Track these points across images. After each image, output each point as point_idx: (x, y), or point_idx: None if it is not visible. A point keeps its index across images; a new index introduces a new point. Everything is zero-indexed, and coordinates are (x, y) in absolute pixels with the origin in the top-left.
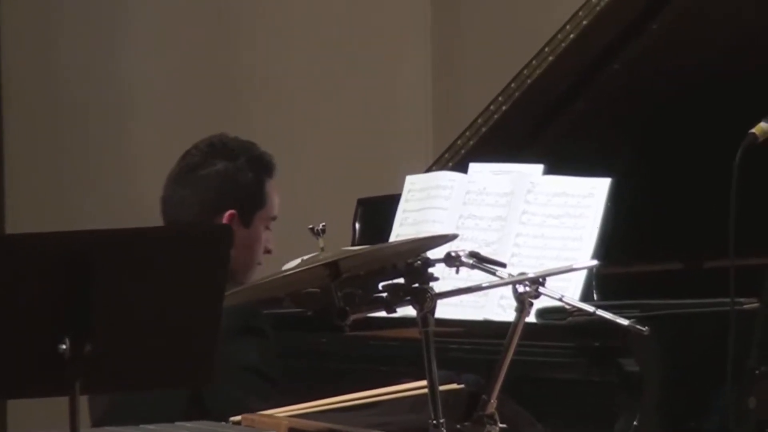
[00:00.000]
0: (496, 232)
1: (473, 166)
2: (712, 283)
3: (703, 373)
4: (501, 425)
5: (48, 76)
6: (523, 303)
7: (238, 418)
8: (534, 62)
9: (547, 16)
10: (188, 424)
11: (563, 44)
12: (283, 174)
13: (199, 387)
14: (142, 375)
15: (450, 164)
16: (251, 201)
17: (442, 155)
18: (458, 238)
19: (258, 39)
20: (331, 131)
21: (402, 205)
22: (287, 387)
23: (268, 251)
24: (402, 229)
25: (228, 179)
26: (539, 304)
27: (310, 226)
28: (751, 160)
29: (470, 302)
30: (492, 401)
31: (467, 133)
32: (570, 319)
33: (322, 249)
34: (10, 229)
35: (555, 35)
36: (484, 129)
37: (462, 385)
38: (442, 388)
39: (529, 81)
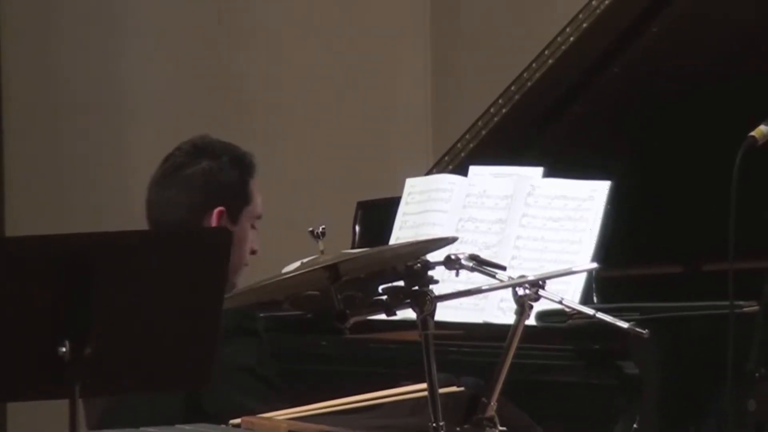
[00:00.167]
0: (496, 234)
1: (473, 169)
2: (711, 286)
3: (703, 376)
4: (501, 428)
5: (47, 77)
6: (522, 306)
7: (237, 420)
8: (534, 65)
9: (547, 18)
10: (188, 427)
11: (563, 47)
12: (284, 177)
13: (198, 389)
14: (141, 378)
15: (450, 167)
16: (237, 198)
17: (442, 158)
18: (458, 240)
19: (257, 40)
20: (330, 134)
21: (402, 208)
22: (287, 390)
23: (253, 252)
24: (402, 232)
25: (214, 177)
26: (539, 306)
27: (310, 229)
28: (750, 162)
29: (470, 305)
30: (492, 404)
31: (467, 136)
32: (570, 321)
33: (322, 252)
34: (9, 230)
35: (555, 38)
36: (484, 132)
37: (462, 388)
38: (441, 390)
39: (529, 84)
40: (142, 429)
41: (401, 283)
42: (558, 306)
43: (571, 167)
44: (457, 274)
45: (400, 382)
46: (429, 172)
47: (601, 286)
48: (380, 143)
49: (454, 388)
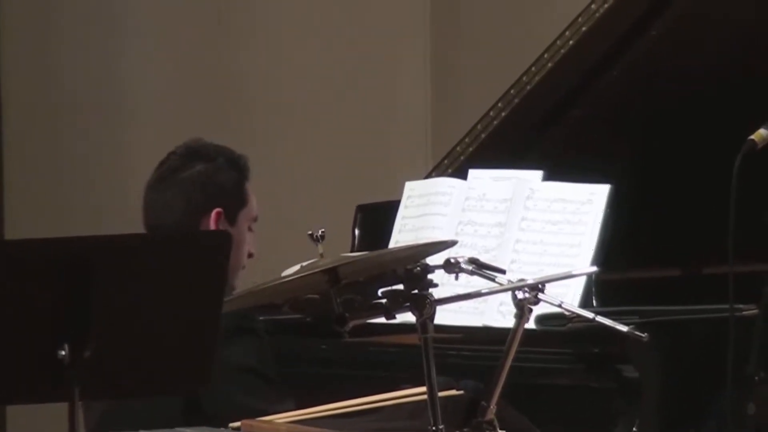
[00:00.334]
0: (495, 238)
1: (472, 173)
2: (711, 290)
3: (702, 380)
4: (500, 431)
5: (47, 77)
6: (522, 309)
7: (237, 424)
8: (533, 69)
9: (547, 18)
10: (188, 430)
11: (562, 50)
12: (283, 179)
13: (198, 392)
14: (141, 380)
15: (449, 170)
16: (234, 200)
17: (442, 161)
18: (457, 244)
19: (257, 41)
20: (330, 136)
21: (401, 212)
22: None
23: (251, 255)
24: (401, 236)
25: (210, 179)
26: (538, 310)
27: (310, 232)
28: (750, 166)
29: (469, 308)
30: (491, 407)
31: (466, 140)
32: (569, 325)
33: (322, 255)
34: (9, 230)
35: (554, 41)
36: (483, 135)
37: (461, 392)
38: (441, 394)
39: (528, 87)
40: None
41: (401, 286)
42: (557, 309)
43: (571, 170)
44: (456, 278)
45: (399, 385)
46: (428, 176)
47: (601, 289)
48: (380, 147)
49: (453, 392)
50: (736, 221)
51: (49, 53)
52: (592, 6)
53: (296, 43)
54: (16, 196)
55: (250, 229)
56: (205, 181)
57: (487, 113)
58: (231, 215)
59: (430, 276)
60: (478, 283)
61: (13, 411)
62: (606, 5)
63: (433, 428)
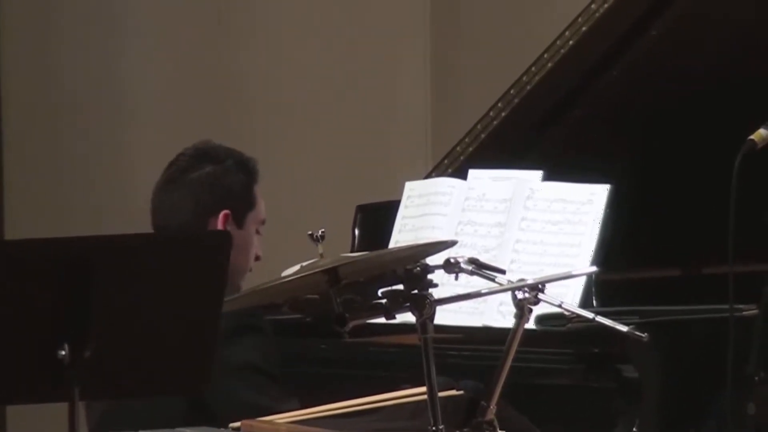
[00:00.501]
0: (495, 238)
1: (472, 173)
2: (711, 290)
3: (702, 380)
4: (500, 431)
5: (47, 77)
6: (522, 309)
7: (237, 424)
8: (533, 69)
9: (547, 18)
10: (188, 430)
11: (562, 50)
12: (283, 180)
13: (197, 393)
14: (141, 380)
15: (449, 170)
16: (243, 202)
17: (442, 161)
18: (457, 244)
19: (257, 41)
20: (330, 137)
21: (401, 212)
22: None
23: (257, 258)
24: (401, 236)
25: (219, 180)
26: (538, 310)
27: (310, 232)
28: (750, 165)
29: (469, 308)
30: (491, 407)
31: (466, 140)
32: (569, 325)
33: (321, 255)
34: (9, 230)
35: (554, 41)
36: (483, 135)
37: (461, 392)
38: (441, 394)
39: (528, 87)
40: None
41: (401, 286)
42: (557, 309)
43: (571, 170)
44: (456, 278)
45: (399, 385)
46: (428, 176)
47: (601, 289)
48: (380, 147)
49: (453, 392)
50: (736, 221)
51: (49, 53)
52: (592, 6)
53: (296, 43)
54: (16, 196)
55: (257, 232)
56: (214, 183)
57: (487, 113)
58: (239, 217)
59: (430, 276)
60: (478, 283)
61: (13, 411)
62: (606, 5)
63: (433, 428)
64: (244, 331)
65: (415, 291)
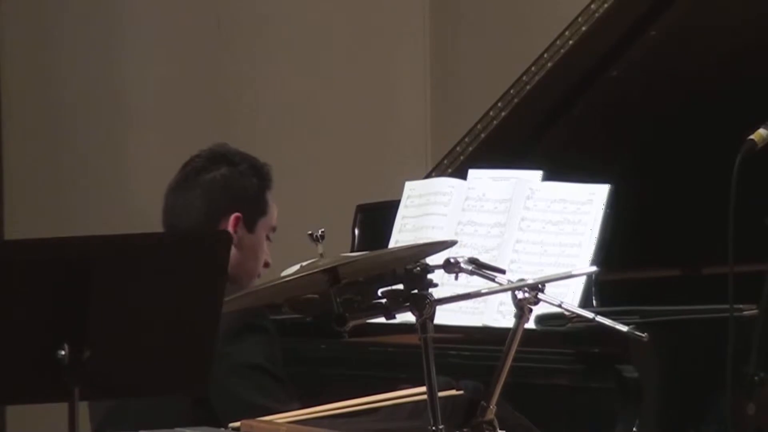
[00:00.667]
0: (495, 238)
1: (472, 173)
2: (711, 290)
3: (702, 380)
4: (500, 431)
5: (47, 77)
6: (522, 309)
7: (237, 424)
8: (533, 68)
9: (547, 19)
10: (188, 430)
11: (562, 50)
12: (283, 180)
13: (197, 393)
14: (140, 381)
15: (449, 170)
16: (255, 206)
17: (441, 161)
18: (457, 244)
19: (256, 46)
20: (330, 137)
21: (401, 212)
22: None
23: (266, 265)
24: (401, 236)
25: (232, 183)
26: (538, 310)
27: (309, 232)
28: (750, 165)
29: (469, 308)
30: (491, 407)
31: (466, 140)
32: (569, 325)
33: (321, 255)
34: (8, 230)
35: (554, 41)
36: (483, 135)
37: (461, 392)
38: (441, 394)
39: (528, 87)
40: None
41: (400, 286)
42: (557, 309)
43: (571, 170)
44: (456, 278)
45: (399, 385)
46: (428, 176)
47: (601, 289)
48: (380, 147)
49: (453, 392)
50: (735, 221)
51: (49, 54)
52: (592, 6)
53: (295, 47)
54: (16, 196)
55: (267, 238)
56: (227, 185)
57: (487, 113)
58: (250, 221)
59: (429, 276)
60: (477, 283)
61: (13, 411)
62: (606, 5)
63: (433, 428)
64: (249, 330)
65: (415, 291)
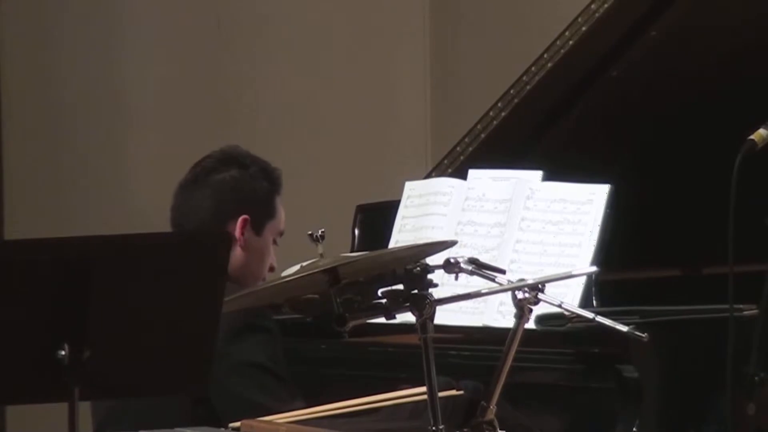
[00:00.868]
0: (495, 238)
1: (472, 173)
2: (711, 290)
3: (703, 380)
4: (500, 431)
5: (47, 77)
6: (522, 309)
7: (237, 424)
8: (533, 69)
9: (548, 19)
10: (187, 430)
11: (562, 50)
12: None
13: (197, 393)
14: (140, 381)
15: (449, 170)
16: (263, 209)
17: (441, 161)
18: (457, 244)
19: (256, 46)
20: (330, 137)
21: (401, 212)
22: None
23: (272, 268)
24: (401, 236)
25: (242, 184)
26: (538, 310)
27: (309, 233)
28: (750, 165)
29: (469, 308)
30: (491, 407)
31: (466, 140)
32: (569, 325)
33: (321, 255)
34: (8, 230)
35: (554, 41)
36: (483, 135)
37: (461, 392)
38: (441, 394)
39: (528, 87)
40: None
41: (400, 286)
42: (557, 309)
43: (571, 170)
44: (456, 278)
45: (399, 385)
46: (428, 176)
47: (601, 289)
48: (380, 147)
49: (453, 392)
50: (735, 221)
51: (49, 54)
52: (592, 6)
53: (295, 47)
54: (16, 196)
55: (274, 242)
56: (237, 186)
57: (487, 113)
58: (257, 224)
59: (429, 276)
60: (477, 283)
61: (13, 411)
62: (606, 5)
63: (433, 428)
64: (251, 330)
65: (415, 291)
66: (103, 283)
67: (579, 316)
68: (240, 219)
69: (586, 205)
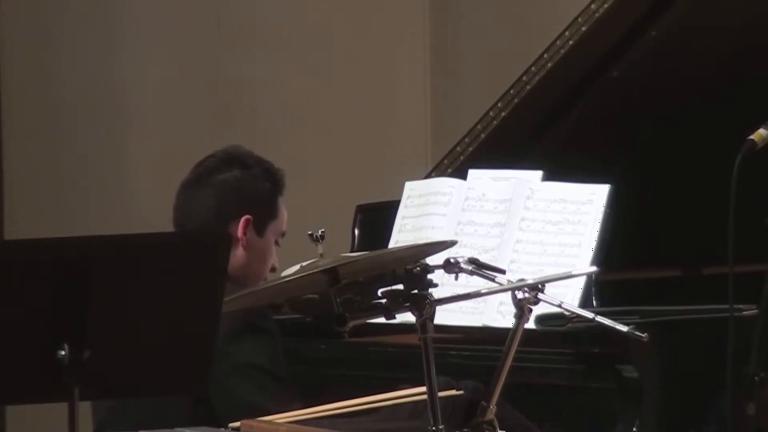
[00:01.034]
0: (495, 238)
1: (472, 173)
2: (711, 290)
3: (702, 380)
4: (500, 431)
5: (47, 77)
6: (522, 309)
7: (237, 424)
8: (533, 69)
9: (548, 20)
10: (187, 430)
11: (562, 50)
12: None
13: (196, 393)
14: (140, 381)
15: (449, 170)
16: (266, 210)
17: (441, 161)
18: (457, 244)
19: (256, 47)
20: (330, 137)
21: (401, 212)
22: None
23: (273, 269)
24: (401, 236)
25: (244, 185)
26: (538, 310)
27: (309, 233)
28: (750, 165)
29: (469, 308)
30: (491, 407)
31: (466, 140)
32: (569, 325)
33: (321, 255)
34: (8, 230)
35: (554, 41)
36: (483, 135)
37: (461, 392)
38: (441, 394)
39: (528, 87)
40: None
41: (400, 286)
42: (557, 309)
43: (571, 170)
44: (456, 278)
45: (399, 385)
46: (428, 176)
47: (601, 289)
48: (380, 147)
49: (453, 392)
50: (735, 221)
51: (49, 54)
52: (592, 6)
53: (295, 47)
54: (16, 196)
55: (276, 243)
56: (239, 186)
57: (487, 113)
58: (260, 225)
59: (429, 276)
60: (477, 283)
61: (13, 411)
62: (606, 5)
63: (433, 428)
64: (251, 331)
65: (415, 291)
66: (103, 283)
67: (579, 316)
68: (242, 219)
69: (586, 205)
